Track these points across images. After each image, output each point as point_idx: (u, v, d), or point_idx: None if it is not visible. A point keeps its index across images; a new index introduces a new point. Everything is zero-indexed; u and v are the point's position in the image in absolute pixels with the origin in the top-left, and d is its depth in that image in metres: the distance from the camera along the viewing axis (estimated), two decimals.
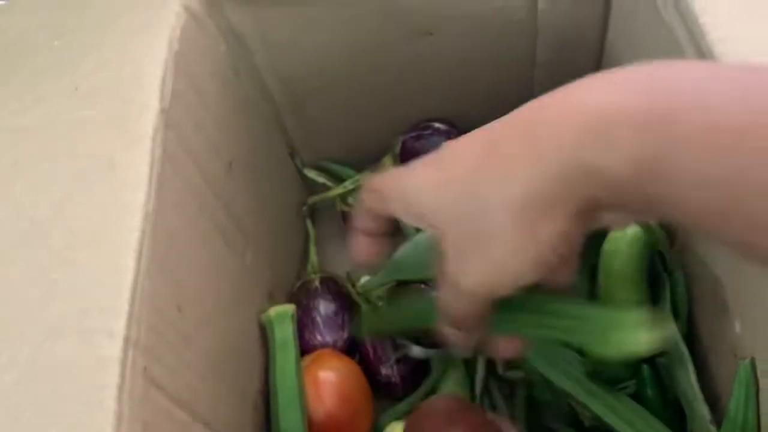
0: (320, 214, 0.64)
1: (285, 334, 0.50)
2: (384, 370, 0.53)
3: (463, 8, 0.51)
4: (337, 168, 0.62)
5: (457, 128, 0.58)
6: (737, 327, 0.36)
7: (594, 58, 0.55)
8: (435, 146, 0.55)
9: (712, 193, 0.24)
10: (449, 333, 0.36)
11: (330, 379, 0.51)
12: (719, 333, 0.39)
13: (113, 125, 0.38)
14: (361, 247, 0.37)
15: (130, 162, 0.37)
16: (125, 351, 0.31)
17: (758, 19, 0.35)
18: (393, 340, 0.54)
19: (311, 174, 0.61)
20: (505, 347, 0.36)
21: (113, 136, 0.38)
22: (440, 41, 0.54)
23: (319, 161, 0.62)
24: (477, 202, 0.28)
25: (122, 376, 0.31)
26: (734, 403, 0.35)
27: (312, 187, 0.63)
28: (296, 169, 0.62)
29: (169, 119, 0.39)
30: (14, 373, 0.30)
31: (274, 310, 0.51)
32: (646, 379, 0.44)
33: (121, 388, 0.30)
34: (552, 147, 0.26)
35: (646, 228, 0.43)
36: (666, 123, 0.24)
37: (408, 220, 0.33)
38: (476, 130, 0.30)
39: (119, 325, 0.32)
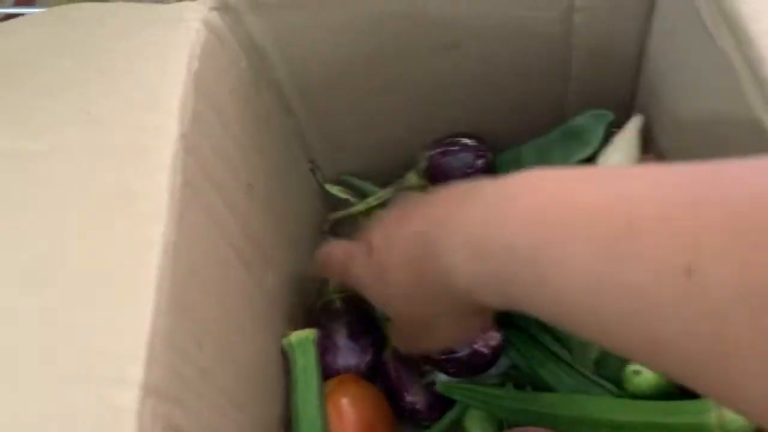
0: (342, 230, 0.62)
1: (307, 360, 0.48)
2: (408, 397, 0.51)
3: (492, 21, 0.49)
4: (359, 183, 0.60)
5: (485, 143, 0.56)
6: None
7: (631, 71, 0.52)
8: (463, 163, 0.54)
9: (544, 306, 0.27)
10: None
11: (352, 407, 0.49)
12: None
13: (129, 152, 0.36)
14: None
15: (148, 192, 0.35)
16: (143, 401, 0.29)
17: None
18: (418, 367, 0.52)
19: (333, 189, 0.59)
20: None
21: (130, 164, 0.35)
22: (467, 54, 0.52)
23: (341, 176, 0.60)
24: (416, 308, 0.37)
25: (141, 429, 0.29)
26: None
27: (333, 203, 0.61)
28: (317, 184, 0.60)
29: (188, 144, 0.37)
30: (19, 429, 0.28)
31: (295, 336, 0.49)
32: None
33: None
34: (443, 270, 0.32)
35: None
36: (485, 258, 0.29)
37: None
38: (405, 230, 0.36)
39: (136, 372, 0.30)
